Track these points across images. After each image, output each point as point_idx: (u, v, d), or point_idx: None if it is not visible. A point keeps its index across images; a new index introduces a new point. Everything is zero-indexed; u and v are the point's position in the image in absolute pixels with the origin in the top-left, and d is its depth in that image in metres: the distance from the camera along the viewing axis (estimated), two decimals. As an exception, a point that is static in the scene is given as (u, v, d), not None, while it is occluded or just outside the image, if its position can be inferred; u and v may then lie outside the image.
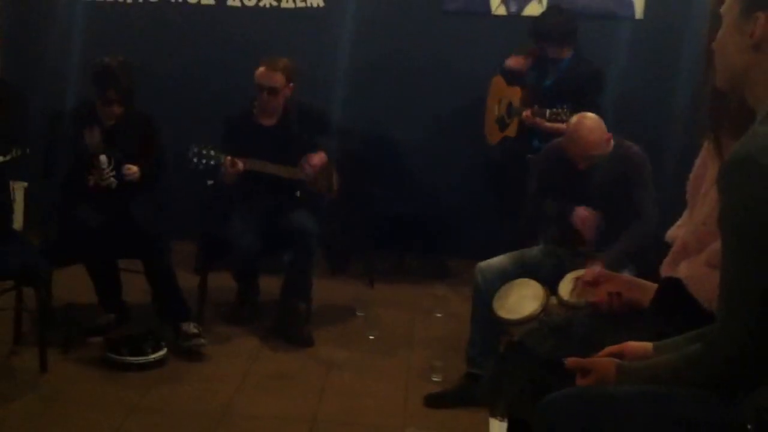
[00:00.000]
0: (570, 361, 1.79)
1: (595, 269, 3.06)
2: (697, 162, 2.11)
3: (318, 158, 3.87)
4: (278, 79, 3.79)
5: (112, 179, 3.60)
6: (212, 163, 3.69)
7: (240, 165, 3.69)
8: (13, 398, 3.09)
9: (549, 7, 4.36)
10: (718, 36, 1.63)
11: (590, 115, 3.28)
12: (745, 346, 1.45)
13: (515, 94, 4.33)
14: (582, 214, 3.25)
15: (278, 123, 3.91)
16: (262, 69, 3.80)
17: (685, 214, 2.14)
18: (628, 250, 3.17)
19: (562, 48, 4.16)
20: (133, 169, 3.61)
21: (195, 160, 3.69)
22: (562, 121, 3.76)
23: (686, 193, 2.14)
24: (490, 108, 4.55)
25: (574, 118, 3.27)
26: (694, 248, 1.99)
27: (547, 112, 3.94)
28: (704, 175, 2.03)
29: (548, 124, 3.96)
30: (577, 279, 2.66)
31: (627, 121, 3.99)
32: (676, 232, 2.14)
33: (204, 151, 3.69)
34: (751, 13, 1.54)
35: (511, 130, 4.35)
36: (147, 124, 3.78)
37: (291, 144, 3.88)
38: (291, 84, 3.84)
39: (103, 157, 3.58)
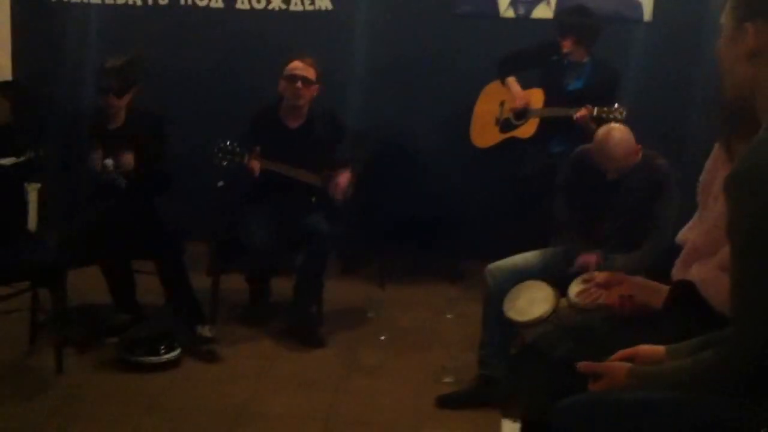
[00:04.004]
0: (582, 365, 1.80)
1: (591, 258, 3.14)
2: (708, 164, 2.11)
3: (345, 179, 3.93)
4: (311, 72, 3.88)
5: (121, 179, 3.65)
6: (236, 159, 3.74)
7: (257, 168, 3.74)
8: (29, 398, 3.12)
9: (578, 5, 4.40)
10: (717, 45, 1.64)
11: (619, 126, 3.28)
12: (759, 355, 1.46)
13: (534, 95, 4.35)
14: (585, 259, 3.25)
15: (303, 126, 3.94)
16: (295, 62, 3.89)
17: (696, 216, 2.15)
18: (642, 264, 3.19)
19: (577, 47, 4.20)
20: (128, 158, 3.65)
21: (220, 154, 3.74)
22: (615, 120, 3.77)
23: (697, 195, 2.16)
24: (483, 112, 4.58)
25: (603, 129, 3.27)
26: (705, 250, 2.00)
27: (595, 110, 3.95)
28: (715, 177, 2.03)
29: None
30: (586, 280, 2.68)
31: (636, 123, 4.01)
32: (687, 234, 2.15)
33: (229, 147, 3.73)
34: (741, 23, 1.55)
35: (524, 131, 4.37)
36: (156, 124, 3.81)
37: (313, 148, 3.91)
38: (319, 85, 3.91)
39: (108, 161, 3.63)
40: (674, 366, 1.67)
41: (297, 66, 3.87)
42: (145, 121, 3.77)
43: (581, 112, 4.02)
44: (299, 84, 3.84)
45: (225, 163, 3.75)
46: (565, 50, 4.25)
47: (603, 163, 3.24)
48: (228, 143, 3.75)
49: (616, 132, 3.20)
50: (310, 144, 3.91)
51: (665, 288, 2.13)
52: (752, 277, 1.45)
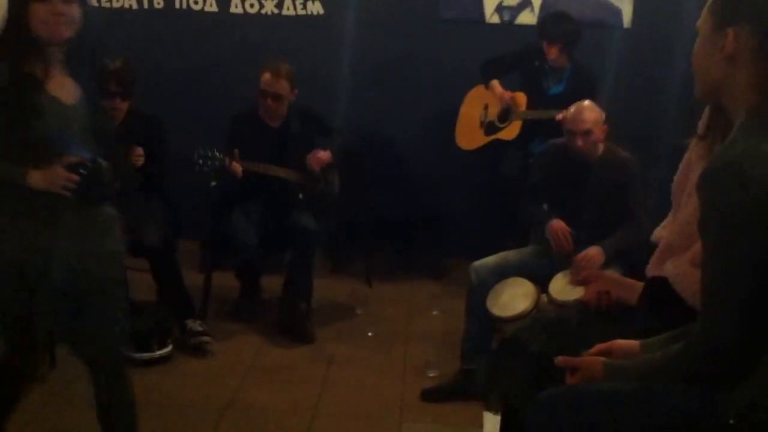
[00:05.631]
0: (559, 359, 1.84)
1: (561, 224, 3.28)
2: (682, 164, 2.14)
3: (324, 154, 3.98)
4: (283, 86, 3.92)
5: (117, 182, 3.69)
6: (216, 164, 3.80)
7: (239, 169, 3.81)
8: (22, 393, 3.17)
9: (560, 12, 4.49)
10: (694, 49, 1.66)
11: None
12: (724, 344, 1.50)
13: (517, 98, 4.46)
14: (556, 226, 3.38)
15: (282, 125, 4.01)
16: (267, 75, 3.92)
17: (670, 214, 2.18)
18: (619, 245, 3.30)
19: (562, 54, 4.31)
20: (139, 152, 3.65)
21: (200, 161, 3.78)
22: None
23: (672, 194, 2.21)
24: (467, 115, 4.67)
25: (575, 104, 3.45)
26: (678, 247, 2.03)
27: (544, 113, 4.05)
28: (688, 176, 2.07)
29: None
30: (565, 277, 2.78)
31: (615, 125, 4.12)
32: (662, 233, 2.18)
33: (209, 154, 3.80)
34: (722, 28, 1.58)
35: (508, 133, 4.47)
36: (154, 124, 3.85)
37: (294, 145, 3.98)
38: (295, 90, 3.97)
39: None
40: (645, 359, 1.72)
41: (269, 82, 3.91)
42: (144, 122, 3.80)
43: (564, 113, 4.12)
44: (269, 101, 3.92)
45: (206, 170, 3.80)
46: (551, 57, 4.35)
47: (575, 128, 3.36)
48: (207, 150, 3.79)
49: (587, 102, 3.40)
50: (291, 142, 3.97)
51: (640, 284, 2.19)
52: (721, 272, 1.50)
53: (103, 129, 2.32)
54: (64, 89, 2.25)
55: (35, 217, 2.24)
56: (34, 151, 2.19)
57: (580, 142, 3.35)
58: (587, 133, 3.35)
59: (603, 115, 3.40)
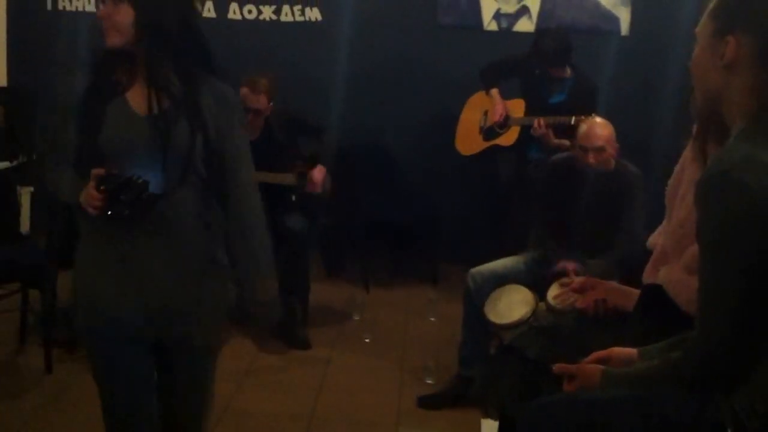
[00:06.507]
0: (557, 367, 1.85)
1: (570, 267, 3.19)
2: (676, 167, 2.15)
3: (319, 173, 3.98)
4: (261, 100, 3.92)
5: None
6: None
7: None
8: (18, 397, 3.17)
9: (546, 30, 4.49)
10: (693, 56, 1.64)
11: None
12: (719, 350, 1.50)
13: (516, 105, 4.47)
14: (564, 264, 3.29)
15: (261, 135, 4.00)
16: (245, 91, 3.89)
17: (665, 220, 2.20)
18: (614, 267, 3.27)
19: (564, 67, 4.31)
20: None
21: None
22: (568, 125, 3.94)
23: (665, 198, 2.19)
24: (467, 120, 4.69)
25: (587, 120, 3.44)
26: (672, 253, 2.04)
27: (573, 119, 4.01)
28: (681, 181, 2.08)
29: (555, 141, 4.12)
30: (563, 284, 2.78)
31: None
32: (657, 239, 2.20)
33: None
34: (722, 35, 1.57)
35: (506, 139, 4.48)
36: None
37: (276, 151, 3.97)
38: (271, 103, 3.97)
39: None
40: (644, 367, 1.72)
41: (247, 97, 3.87)
42: None
43: (538, 122, 4.17)
44: (250, 116, 3.89)
45: None
46: (559, 75, 4.36)
47: (587, 147, 3.32)
48: None
49: (600, 119, 3.39)
50: (273, 148, 3.96)
51: (636, 292, 2.20)
52: (715, 279, 1.50)
53: (186, 145, 1.93)
54: (147, 100, 1.95)
55: (106, 248, 1.95)
56: (99, 164, 1.89)
57: (591, 159, 3.33)
58: (600, 150, 3.32)
59: (614, 133, 3.39)
